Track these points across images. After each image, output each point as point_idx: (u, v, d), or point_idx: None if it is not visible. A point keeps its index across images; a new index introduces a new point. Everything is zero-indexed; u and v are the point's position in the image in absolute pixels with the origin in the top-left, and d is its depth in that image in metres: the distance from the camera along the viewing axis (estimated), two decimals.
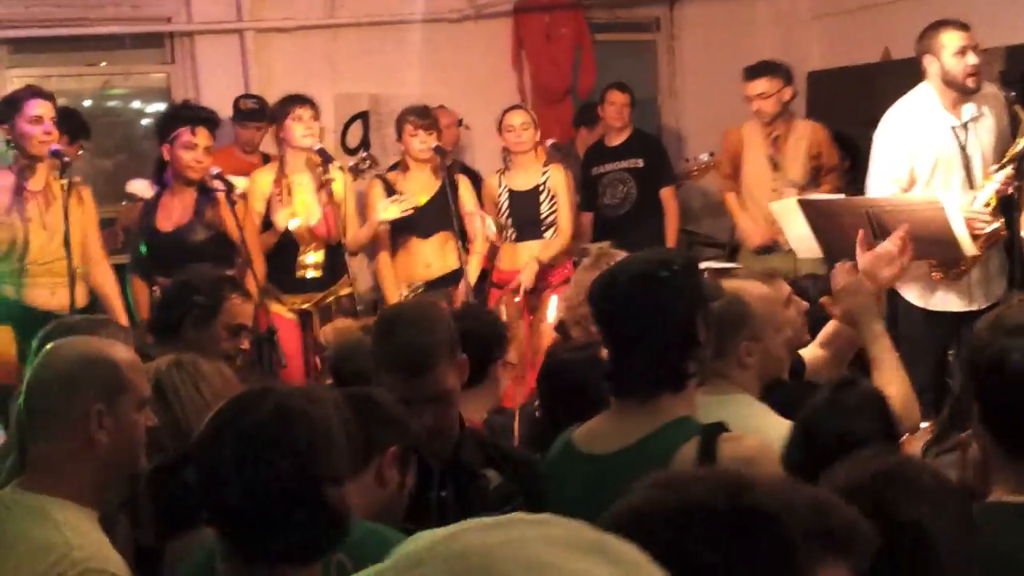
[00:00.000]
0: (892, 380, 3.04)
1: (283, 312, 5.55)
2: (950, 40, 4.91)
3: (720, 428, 2.28)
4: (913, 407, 3.03)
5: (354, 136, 7.41)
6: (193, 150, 5.16)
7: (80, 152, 6.13)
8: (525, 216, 6.14)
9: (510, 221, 6.17)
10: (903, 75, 7.06)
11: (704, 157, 7.01)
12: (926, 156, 5.01)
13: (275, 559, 1.82)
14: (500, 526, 0.81)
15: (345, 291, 5.55)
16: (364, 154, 6.46)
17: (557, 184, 6.12)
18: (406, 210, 5.65)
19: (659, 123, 8.42)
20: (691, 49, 8.41)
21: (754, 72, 6.22)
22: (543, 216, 6.13)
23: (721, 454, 2.21)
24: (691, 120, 8.37)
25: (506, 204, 6.18)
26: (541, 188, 6.13)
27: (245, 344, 3.63)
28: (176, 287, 3.81)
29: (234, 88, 6.97)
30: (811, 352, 3.39)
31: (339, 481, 1.84)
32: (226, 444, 1.83)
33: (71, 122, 6.06)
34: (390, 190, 5.85)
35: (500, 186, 6.22)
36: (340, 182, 5.64)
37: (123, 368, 2.40)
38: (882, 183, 5.07)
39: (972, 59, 4.91)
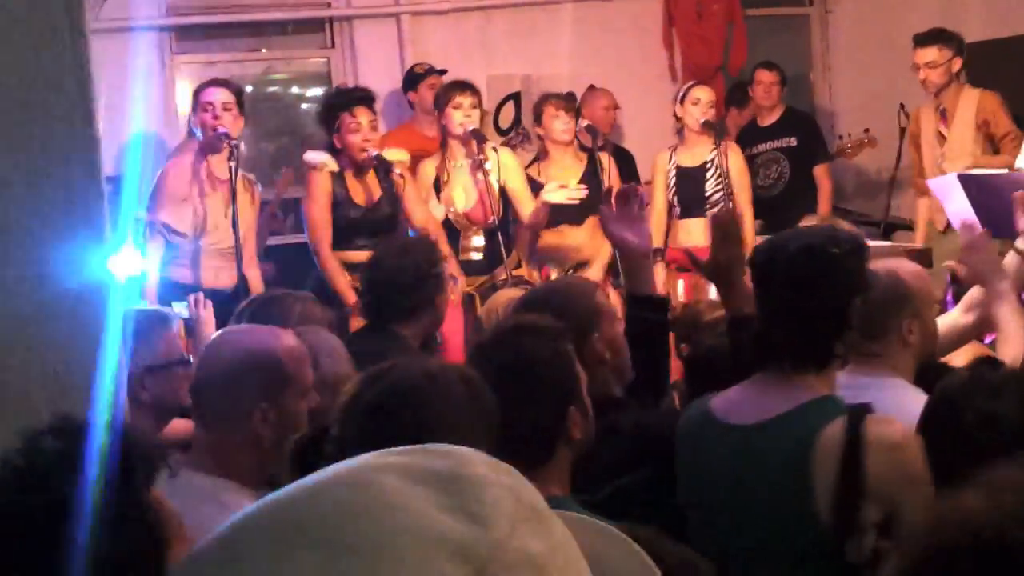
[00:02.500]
0: (1017, 345, 2.97)
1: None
2: None
3: (866, 409, 2.28)
4: None
5: (506, 117, 7.50)
6: (359, 131, 5.30)
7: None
8: (691, 193, 6.13)
9: (676, 198, 6.18)
10: None
11: (859, 133, 6.90)
12: None
13: None
14: (377, 455, 0.79)
15: (504, 275, 5.57)
16: (518, 131, 6.53)
17: (733, 163, 6.05)
18: (572, 198, 5.65)
19: (812, 99, 8.31)
20: (845, 23, 8.27)
21: (924, 39, 6.05)
22: (708, 194, 6.11)
23: (868, 437, 2.22)
24: (845, 96, 8.23)
25: (674, 180, 6.19)
26: (708, 165, 6.11)
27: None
28: (413, 264, 3.80)
29: (392, 71, 7.14)
30: (952, 319, 3.29)
31: None
32: (352, 419, 1.87)
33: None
34: (533, 184, 5.83)
35: (670, 162, 6.22)
36: (496, 162, 5.70)
37: (286, 362, 2.48)
38: None
39: None
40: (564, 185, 5.61)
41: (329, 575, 0.69)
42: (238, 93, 5.41)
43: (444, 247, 4.82)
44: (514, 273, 5.53)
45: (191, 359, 3.25)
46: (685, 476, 2.51)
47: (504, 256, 5.46)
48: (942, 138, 6.09)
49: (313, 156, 5.40)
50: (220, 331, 2.90)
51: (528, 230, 5.69)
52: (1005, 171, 5.01)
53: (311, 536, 0.70)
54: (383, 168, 5.29)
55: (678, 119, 6.18)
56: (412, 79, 6.59)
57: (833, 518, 2.20)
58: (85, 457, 1.49)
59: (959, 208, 4.74)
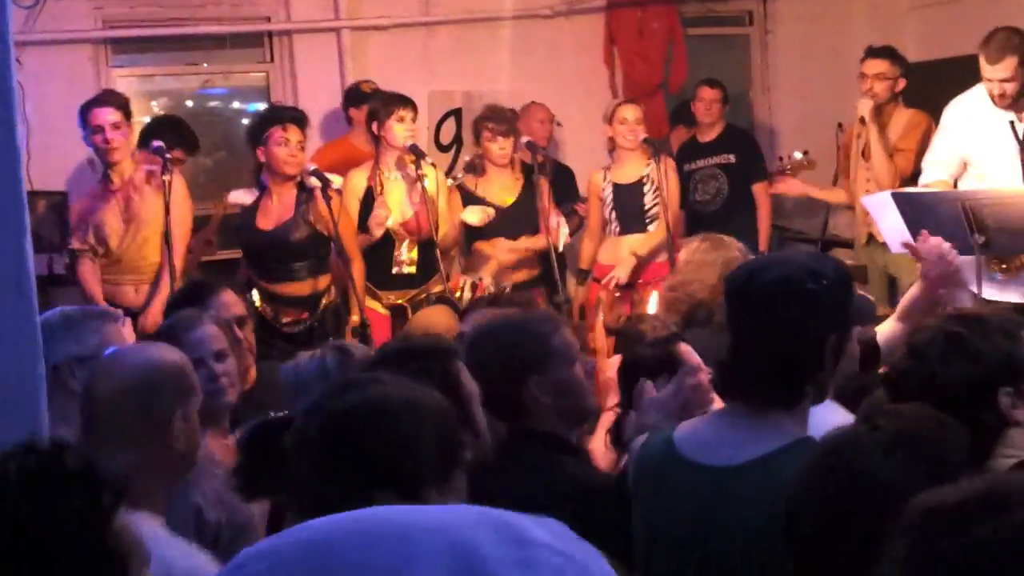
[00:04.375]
0: None
1: (377, 307, 5.64)
2: (985, 67, 5.05)
3: None
4: None
5: (447, 133, 7.49)
6: (286, 145, 5.27)
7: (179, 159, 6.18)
8: (629, 209, 6.15)
9: (614, 215, 6.19)
10: None
11: (798, 156, 6.96)
12: (981, 149, 5.05)
13: None
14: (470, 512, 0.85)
15: (438, 288, 5.58)
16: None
17: (662, 177, 6.10)
18: (484, 220, 5.70)
19: (752, 118, 8.37)
20: (785, 43, 8.34)
21: (877, 52, 6.18)
22: (647, 208, 6.12)
23: None
24: (784, 115, 8.30)
25: (610, 198, 6.19)
26: (644, 180, 6.13)
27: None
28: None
29: (332, 86, 7.09)
30: (889, 328, 3.30)
31: (405, 490, 1.74)
32: (313, 421, 1.82)
33: (180, 134, 6.23)
34: (468, 197, 5.93)
35: (605, 180, 6.23)
36: (433, 179, 5.71)
37: (189, 371, 2.47)
38: (933, 170, 5.16)
39: (996, 90, 5.00)
40: (484, 208, 5.65)
41: None
42: (123, 107, 5.42)
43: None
44: (445, 288, 5.54)
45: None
46: (645, 512, 2.38)
47: (440, 268, 5.46)
48: (865, 155, 6.18)
49: (237, 196, 5.43)
50: (107, 353, 2.75)
51: (444, 249, 5.71)
52: (937, 189, 5.07)
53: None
54: (322, 182, 5.24)
55: (610, 139, 6.19)
56: (358, 97, 6.50)
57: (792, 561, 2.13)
58: (53, 480, 1.47)
59: (893, 225, 4.79)
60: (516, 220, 5.89)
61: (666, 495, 2.30)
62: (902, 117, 6.16)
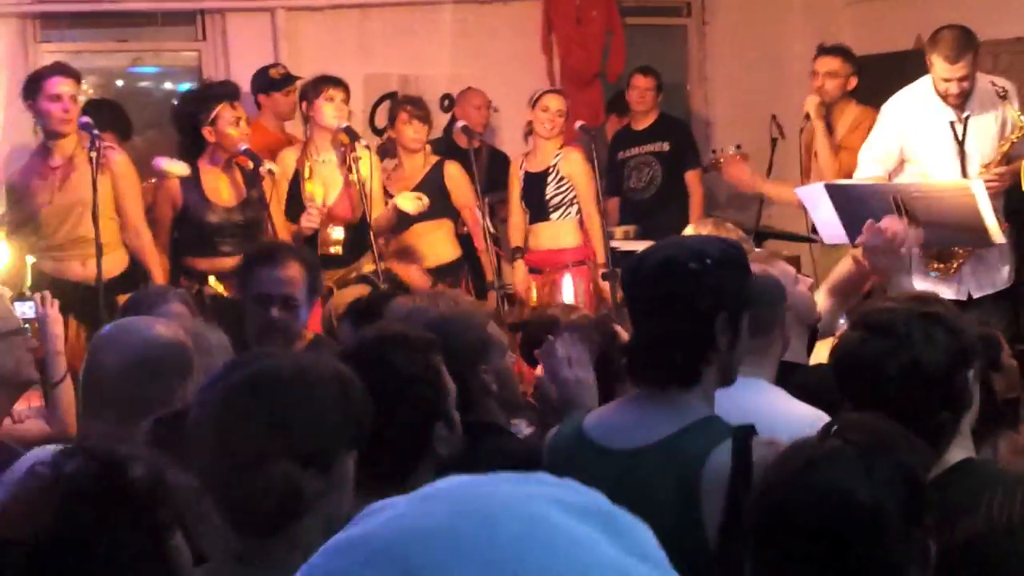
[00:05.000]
0: None
1: None
2: (937, 66, 5.01)
3: (751, 430, 2.19)
4: None
5: (382, 116, 7.42)
6: (237, 124, 5.19)
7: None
8: (534, 197, 6.14)
9: (523, 203, 6.18)
10: None
11: (731, 150, 6.97)
12: (921, 147, 5.06)
13: (236, 527, 1.79)
14: (518, 480, 0.83)
15: (368, 268, 5.55)
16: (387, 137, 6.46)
17: (571, 168, 6.08)
18: (419, 208, 5.66)
19: (688, 108, 8.39)
20: (722, 34, 8.37)
21: (829, 50, 6.18)
22: (548, 197, 6.11)
23: (756, 457, 2.14)
24: (720, 106, 8.33)
25: (522, 186, 6.19)
26: (550, 170, 6.12)
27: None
28: None
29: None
30: (819, 301, 3.35)
31: (308, 460, 1.77)
32: (212, 399, 1.83)
33: (115, 118, 6.10)
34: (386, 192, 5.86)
35: (520, 168, 6.23)
36: (366, 161, 5.65)
37: (188, 348, 2.50)
38: (869, 165, 5.15)
39: (954, 88, 4.96)
40: (420, 197, 5.60)
41: None
42: (79, 81, 5.34)
43: None
44: (377, 268, 5.48)
45: (28, 328, 3.16)
46: None
47: (373, 249, 5.41)
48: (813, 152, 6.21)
49: (167, 164, 5.28)
50: (110, 327, 2.80)
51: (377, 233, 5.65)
52: (869, 181, 5.10)
53: (511, 570, 0.72)
54: (255, 163, 5.17)
55: (529, 123, 6.16)
56: (266, 83, 6.39)
57: (721, 546, 2.13)
58: (114, 490, 1.41)
59: (826, 217, 4.82)
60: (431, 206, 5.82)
61: (578, 480, 2.30)
62: (851, 115, 6.15)
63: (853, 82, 6.14)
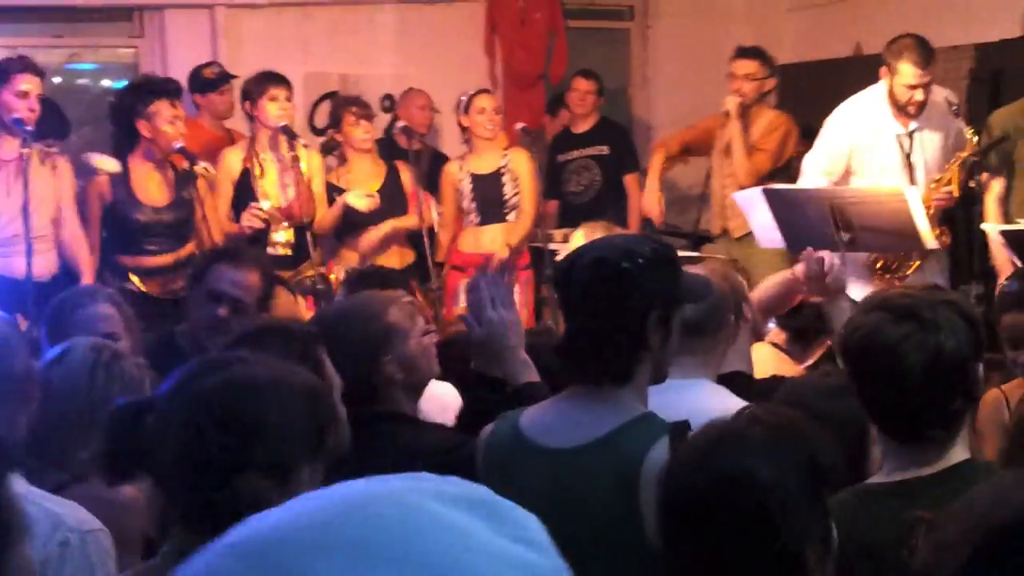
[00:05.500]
0: None
1: None
2: (906, 72, 4.95)
3: (687, 428, 2.17)
4: None
5: (322, 116, 7.37)
6: (175, 124, 5.12)
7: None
8: (489, 199, 6.11)
9: (474, 205, 6.14)
10: (874, 70, 7.09)
11: None
12: (869, 160, 5.06)
13: (188, 526, 1.76)
14: (397, 478, 0.83)
15: (310, 272, 5.50)
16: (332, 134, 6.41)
17: (519, 167, 6.08)
18: (370, 206, 5.63)
19: (630, 112, 8.41)
20: (664, 39, 8.40)
21: (747, 52, 6.21)
22: (507, 198, 6.10)
23: None
24: (662, 110, 8.35)
25: (469, 188, 6.14)
26: (503, 171, 6.10)
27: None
28: None
29: None
30: None
31: (272, 470, 1.74)
32: (176, 403, 1.79)
33: (51, 114, 6.00)
34: (332, 190, 5.78)
35: (461, 171, 6.17)
36: (307, 161, 5.60)
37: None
38: (814, 174, 5.15)
39: (919, 96, 4.96)
40: (372, 195, 5.54)
41: None
42: (42, 80, 5.25)
43: None
44: (320, 271, 5.47)
45: None
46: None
47: (311, 253, 5.38)
48: (727, 152, 6.26)
49: (97, 160, 5.20)
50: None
51: (319, 232, 5.61)
52: (807, 187, 5.12)
53: (384, 555, 0.72)
54: (189, 161, 5.10)
55: (464, 128, 6.13)
56: (200, 83, 6.32)
57: (660, 542, 2.07)
58: None
59: (763, 221, 4.85)
60: (383, 207, 5.79)
61: (515, 481, 2.30)
62: (765, 118, 6.23)
63: (769, 84, 6.22)
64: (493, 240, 6.06)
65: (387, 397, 2.70)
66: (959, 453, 2.11)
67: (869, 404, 2.15)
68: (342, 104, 5.95)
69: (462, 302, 5.40)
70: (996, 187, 5.16)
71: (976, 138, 4.92)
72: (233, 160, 5.58)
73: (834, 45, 7.77)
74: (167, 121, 5.09)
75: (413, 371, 2.74)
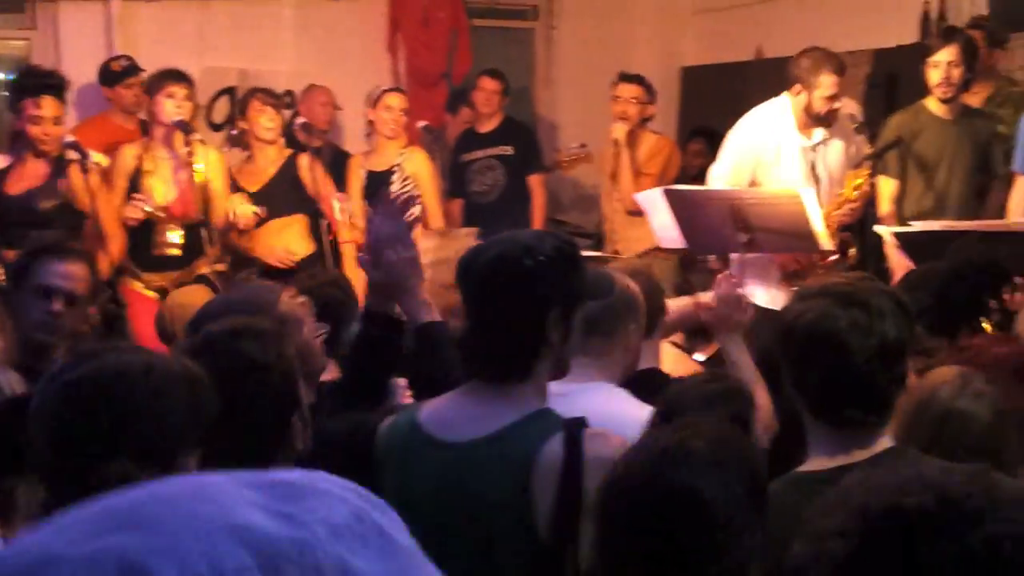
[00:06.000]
0: (757, 390, 3.03)
1: (141, 289, 5.41)
2: (826, 83, 4.94)
3: (582, 424, 2.22)
4: (773, 417, 3.04)
5: (220, 111, 7.24)
6: (39, 123, 4.98)
7: None
8: (378, 197, 6.03)
9: (366, 202, 6.08)
10: (775, 74, 7.16)
11: (575, 147, 7.02)
12: (773, 172, 5.07)
13: None
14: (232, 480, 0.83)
15: (205, 268, 5.40)
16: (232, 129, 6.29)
17: (415, 167, 6.01)
18: (248, 223, 5.50)
19: (534, 112, 8.41)
20: (569, 39, 8.42)
21: (630, 77, 6.32)
22: (393, 197, 6.02)
23: (586, 450, 2.16)
24: (566, 110, 8.37)
25: (365, 184, 6.08)
26: (394, 169, 6.04)
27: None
28: None
29: (97, 58, 6.73)
30: None
31: (148, 459, 1.74)
32: (49, 393, 1.80)
33: None
34: (236, 186, 5.68)
35: (362, 167, 6.12)
36: (204, 158, 5.48)
37: None
38: (716, 183, 5.14)
39: (837, 104, 4.98)
40: (257, 213, 5.50)
41: (122, 547, 0.73)
42: None
43: None
44: (217, 269, 5.36)
45: None
46: (392, 492, 2.32)
47: (207, 250, 5.26)
48: (612, 176, 6.32)
49: None
50: None
51: (220, 231, 5.51)
52: (706, 188, 5.14)
53: (125, 520, 0.75)
54: (80, 155, 4.97)
55: (370, 123, 6.08)
56: (109, 77, 6.19)
57: (552, 537, 2.14)
58: None
59: (663, 222, 4.85)
60: (275, 196, 5.67)
61: (412, 474, 2.31)
62: (648, 142, 6.34)
63: (651, 110, 6.33)
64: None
65: None
66: (887, 439, 2.14)
67: (808, 389, 2.16)
68: (249, 92, 5.83)
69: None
70: (890, 190, 5.23)
71: (869, 175, 4.94)
72: (127, 155, 5.47)
73: (736, 49, 7.85)
74: (31, 121, 4.99)
75: (308, 359, 2.68)
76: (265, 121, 5.69)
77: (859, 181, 4.88)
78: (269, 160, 5.77)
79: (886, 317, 2.07)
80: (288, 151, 5.79)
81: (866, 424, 2.12)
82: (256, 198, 5.63)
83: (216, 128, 7.09)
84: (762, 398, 2.99)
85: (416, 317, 2.67)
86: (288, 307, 2.72)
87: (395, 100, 6.03)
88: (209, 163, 5.49)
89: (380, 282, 2.70)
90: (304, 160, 5.76)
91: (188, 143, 5.38)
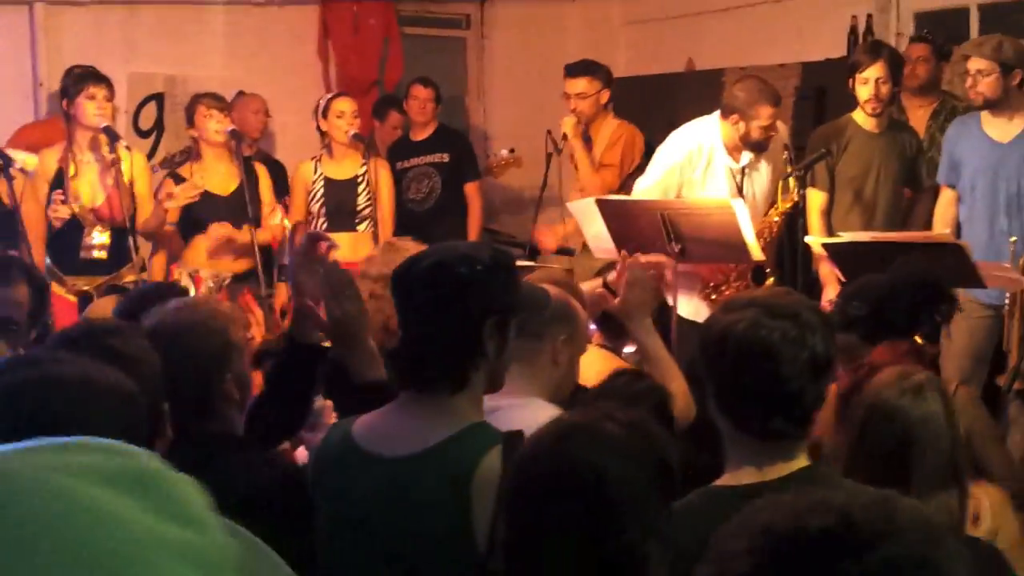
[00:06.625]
0: (672, 376, 3.08)
1: (64, 294, 5.33)
2: (764, 114, 4.94)
3: (520, 437, 2.15)
4: (691, 401, 3.04)
5: (148, 118, 7.13)
6: None
7: None
8: (342, 206, 5.98)
9: (323, 210, 6.01)
10: (705, 86, 7.24)
11: (505, 153, 7.01)
12: (698, 192, 5.07)
13: None
14: (49, 450, 0.78)
15: (131, 276, 5.32)
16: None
17: (378, 179, 5.96)
18: (191, 196, 5.43)
19: (467, 120, 8.40)
20: (501, 48, 8.42)
21: (574, 70, 6.14)
22: (360, 208, 5.98)
23: None
24: (498, 119, 8.37)
25: (321, 192, 6.01)
26: (360, 179, 5.99)
27: None
28: None
29: (21, 63, 6.64)
30: None
31: None
32: None
33: None
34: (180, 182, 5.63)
35: (316, 173, 6.03)
36: (129, 163, 5.41)
37: None
38: (642, 195, 5.13)
39: (774, 132, 4.99)
40: (171, 195, 5.42)
41: None
42: None
43: None
44: (143, 276, 5.29)
45: None
46: (327, 508, 2.33)
47: (132, 257, 5.21)
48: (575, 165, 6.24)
49: None
50: None
51: (144, 234, 5.43)
52: (638, 198, 5.14)
53: (32, 556, 0.68)
54: (3, 160, 4.87)
55: (323, 133, 6.03)
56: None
57: (491, 552, 2.07)
58: None
59: (597, 231, 4.85)
60: (236, 209, 5.60)
61: (347, 490, 2.27)
62: (608, 129, 6.18)
63: (605, 96, 6.14)
64: (353, 250, 5.93)
65: (222, 416, 2.57)
66: (805, 456, 2.13)
67: (735, 401, 2.12)
68: (194, 99, 5.74)
69: None
70: (819, 202, 5.28)
71: (798, 188, 4.96)
72: (49, 159, 5.38)
73: (667, 60, 7.90)
74: None
75: (244, 389, 2.65)
76: (214, 125, 5.63)
77: (787, 207, 4.91)
78: (225, 170, 5.70)
79: (816, 331, 2.06)
80: (237, 164, 5.73)
81: (789, 437, 2.10)
82: (219, 202, 5.58)
83: (143, 135, 6.99)
84: (678, 385, 3.05)
85: (361, 373, 2.63)
86: (237, 335, 2.65)
87: (345, 105, 5.97)
88: (135, 167, 5.44)
89: (329, 333, 2.65)
90: (262, 169, 5.73)
91: (114, 148, 5.31)
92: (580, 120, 6.06)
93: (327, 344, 2.69)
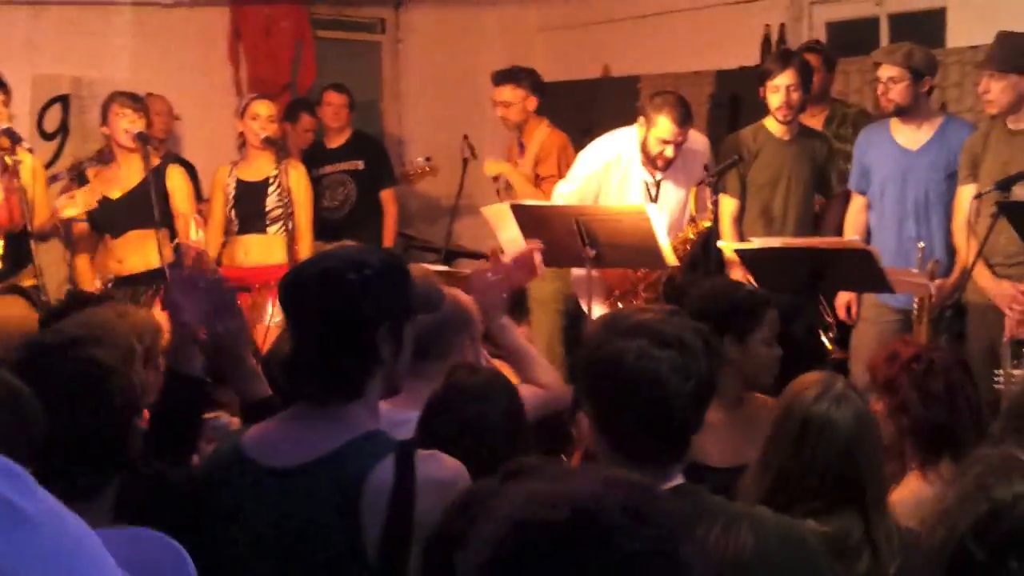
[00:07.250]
0: (538, 367, 3.15)
1: None
2: (662, 126, 4.94)
3: (414, 445, 2.16)
4: (565, 386, 3.11)
5: (52, 120, 6.96)
6: None
7: None
8: (250, 208, 5.87)
9: (234, 213, 5.90)
10: (620, 93, 7.27)
11: (421, 161, 6.96)
12: (615, 200, 5.08)
13: None
14: None
15: (29, 282, 5.19)
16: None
17: (293, 181, 5.86)
18: (90, 203, 5.30)
19: (381, 126, 8.33)
20: (416, 53, 8.38)
21: (499, 78, 6.15)
22: (268, 210, 5.88)
23: (418, 473, 2.10)
24: (414, 124, 8.32)
25: (233, 195, 5.90)
26: (271, 181, 5.89)
27: None
28: None
29: None
30: None
31: None
32: None
33: None
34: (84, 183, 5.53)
35: (230, 176, 5.93)
36: (28, 166, 5.27)
37: None
38: (563, 202, 5.12)
39: (669, 152, 4.98)
40: (72, 196, 5.34)
41: None
42: None
43: None
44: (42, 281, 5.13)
45: None
46: (221, 520, 2.24)
47: (33, 260, 5.07)
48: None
49: None
50: None
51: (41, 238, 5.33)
52: (553, 203, 5.13)
53: None
54: None
55: (240, 134, 5.94)
56: None
57: (381, 562, 2.06)
58: None
59: (512, 236, 4.83)
60: (123, 215, 5.48)
61: (239, 502, 2.20)
62: (539, 137, 6.14)
63: (533, 102, 6.14)
64: (265, 253, 5.82)
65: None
66: (680, 476, 2.09)
67: (614, 425, 2.06)
68: (110, 97, 5.61)
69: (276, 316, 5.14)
70: (731, 208, 5.30)
71: (706, 223, 4.97)
72: None
73: (583, 66, 7.90)
74: None
75: (147, 393, 2.60)
76: (124, 124, 5.51)
77: (707, 224, 4.92)
78: (134, 166, 5.57)
79: (699, 357, 2.03)
80: (156, 159, 5.61)
81: (666, 461, 2.06)
82: (118, 205, 5.47)
83: (47, 137, 6.82)
84: (546, 375, 3.12)
85: (244, 392, 2.57)
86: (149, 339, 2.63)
87: (262, 108, 5.87)
88: (34, 171, 5.32)
89: (209, 352, 2.57)
90: (176, 172, 5.61)
91: (14, 151, 5.17)
92: (507, 126, 6.13)
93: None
